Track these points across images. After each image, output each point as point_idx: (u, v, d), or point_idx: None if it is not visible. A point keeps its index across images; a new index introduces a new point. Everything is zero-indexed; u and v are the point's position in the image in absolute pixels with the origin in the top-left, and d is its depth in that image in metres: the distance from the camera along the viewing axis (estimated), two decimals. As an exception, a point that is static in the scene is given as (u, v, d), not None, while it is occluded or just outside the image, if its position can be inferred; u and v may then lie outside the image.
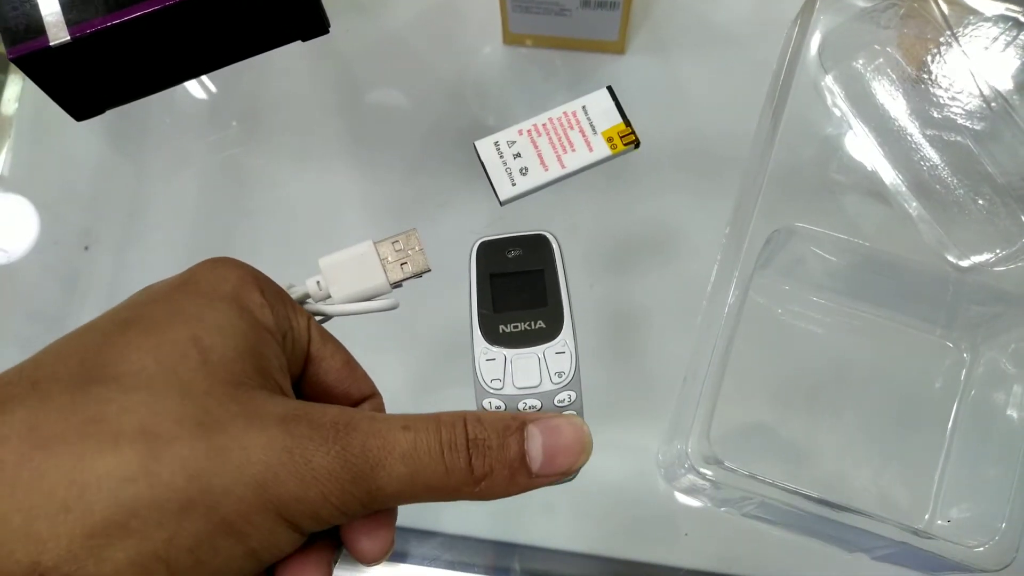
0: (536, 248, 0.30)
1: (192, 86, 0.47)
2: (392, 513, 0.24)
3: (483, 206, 0.41)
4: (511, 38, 0.46)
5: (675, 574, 0.40)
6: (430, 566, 0.40)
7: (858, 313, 0.41)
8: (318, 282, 0.28)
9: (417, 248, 0.29)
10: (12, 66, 0.49)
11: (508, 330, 0.29)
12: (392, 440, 0.22)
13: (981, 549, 0.34)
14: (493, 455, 0.23)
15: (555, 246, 0.30)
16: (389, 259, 0.29)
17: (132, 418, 0.20)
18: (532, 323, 0.29)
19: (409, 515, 0.40)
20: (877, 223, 0.39)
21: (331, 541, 0.23)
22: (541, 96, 0.47)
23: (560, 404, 0.28)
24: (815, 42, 0.39)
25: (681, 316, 0.41)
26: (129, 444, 0.19)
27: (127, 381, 0.20)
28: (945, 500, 0.38)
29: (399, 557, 0.40)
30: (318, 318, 0.28)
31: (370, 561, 0.23)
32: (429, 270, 0.29)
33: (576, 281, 0.30)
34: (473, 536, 0.41)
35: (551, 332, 0.29)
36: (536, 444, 0.23)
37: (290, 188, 0.46)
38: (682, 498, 0.40)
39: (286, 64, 0.47)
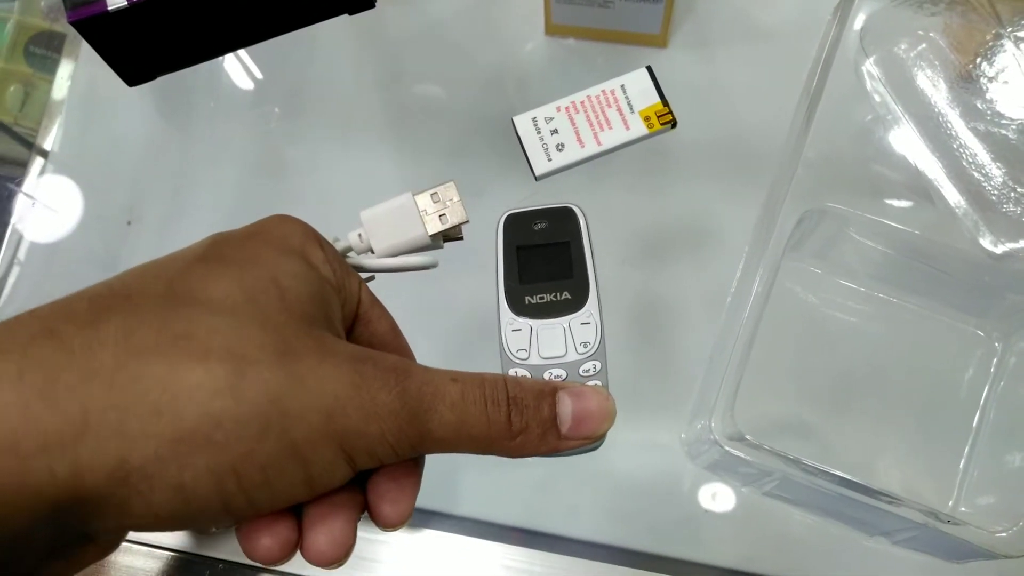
0: (562, 220, 0.31)
1: (236, 70, 0.48)
2: (415, 484, 0.25)
3: (518, 190, 0.42)
4: (553, 29, 0.46)
5: (694, 568, 0.40)
6: (451, 532, 0.41)
7: (888, 299, 0.41)
8: (360, 235, 0.29)
9: (455, 199, 0.29)
10: (65, 47, 0.51)
11: (534, 301, 0.30)
12: (443, 389, 0.23)
13: (1004, 535, 0.34)
14: (529, 414, 0.24)
15: (581, 218, 0.31)
16: (428, 211, 0.29)
17: (219, 339, 0.21)
18: (558, 294, 0.30)
19: (436, 497, 0.41)
20: (912, 207, 0.39)
21: (359, 498, 0.24)
22: (581, 88, 0.47)
23: (585, 374, 0.29)
24: (858, 24, 0.39)
25: (709, 305, 0.41)
26: (217, 361, 0.21)
27: (214, 306, 0.22)
28: (969, 488, 0.38)
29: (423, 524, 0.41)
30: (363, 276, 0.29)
31: (389, 526, 0.25)
32: (467, 221, 0.29)
33: (607, 258, 0.30)
34: (498, 522, 0.41)
35: (576, 303, 0.29)
36: (566, 408, 0.25)
37: (331, 171, 0.47)
38: (704, 484, 0.41)
39: (329, 50, 0.48)
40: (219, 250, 0.24)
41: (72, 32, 0.51)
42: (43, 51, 0.52)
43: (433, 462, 0.42)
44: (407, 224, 0.29)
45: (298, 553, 0.23)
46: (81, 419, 0.19)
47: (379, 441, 0.22)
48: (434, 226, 0.29)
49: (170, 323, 0.21)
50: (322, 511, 0.23)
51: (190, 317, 0.21)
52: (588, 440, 0.26)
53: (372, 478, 0.25)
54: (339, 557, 0.23)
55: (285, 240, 0.25)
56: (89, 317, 0.21)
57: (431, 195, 0.29)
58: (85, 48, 0.50)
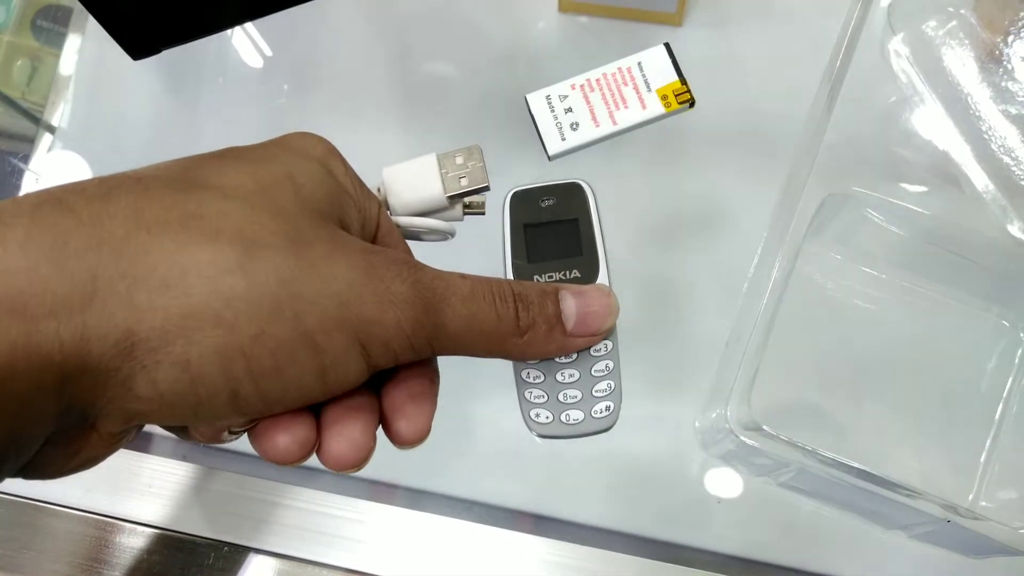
0: (570, 196, 0.30)
1: (245, 46, 0.48)
2: (432, 402, 0.25)
3: (531, 169, 0.41)
4: (567, 6, 0.46)
5: (705, 556, 0.40)
6: (457, 517, 0.41)
7: (911, 286, 0.40)
8: (379, 189, 0.29)
9: (479, 164, 0.29)
10: (72, 21, 0.50)
11: (543, 280, 0.29)
12: (455, 283, 0.24)
13: (1026, 531, 0.33)
14: (535, 310, 0.25)
15: (589, 194, 0.30)
16: (449, 172, 0.29)
17: (230, 221, 0.21)
18: (567, 272, 0.29)
19: (440, 479, 0.41)
20: (938, 192, 0.38)
21: (377, 405, 0.24)
22: (595, 66, 0.46)
23: (597, 354, 0.28)
24: (885, 1, 0.38)
25: (725, 290, 0.41)
26: (228, 242, 0.20)
27: (226, 192, 0.21)
28: (991, 482, 0.37)
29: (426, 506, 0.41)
30: None
31: (405, 443, 0.24)
32: (487, 186, 0.29)
33: (621, 241, 0.30)
34: (504, 506, 0.41)
35: (586, 281, 0.29)
36: (570, 305, 0.26)
37: (340, 148, 0.46)
38: (715, 469, 0.40)
39: (339, 25, 0.47)
40: (233, 151, 0.24)
41: (79, 6, 0.50)
42: (50, 25, 0.51)
43: (439, 437, 0.41)
44: (426, 183, 0.28)
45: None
46: (90, 285, 0.19)
47: (395, 331, 0.22)
48: (453, 187, 0.28)
49: (181, 203, 0.21)
50: (339, 414, 0.23)
51: (201, 199, 0.21)
52: (594, 337, 0.27)
53: (388, 392, 0.24)
54: (357, 461, 0.23)
55: (306, 149, 0.25)
56: (99, 192, 0.20)
57: (455, 156, 0.29)
58: (92, 22, 0.49)
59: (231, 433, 0.23)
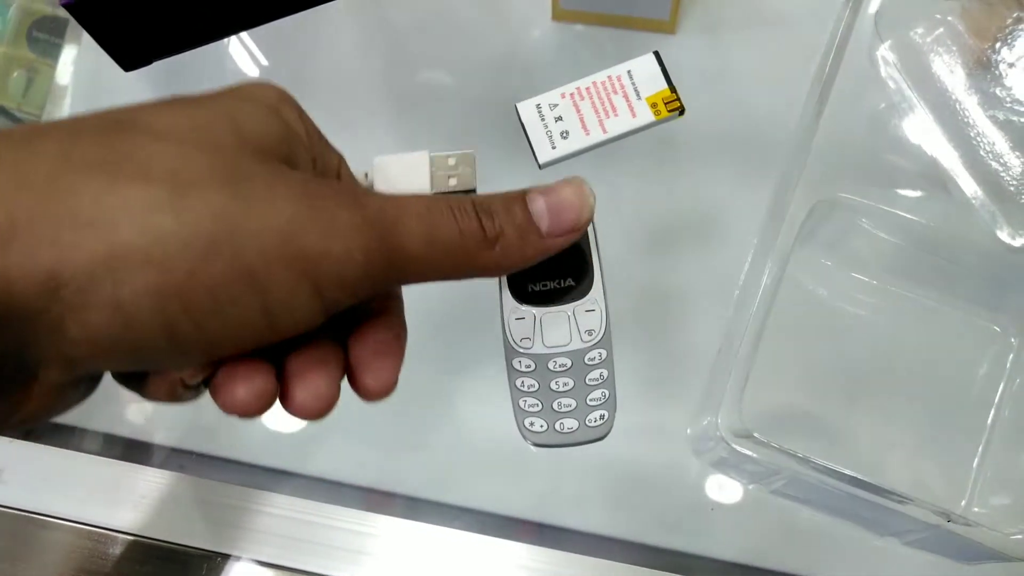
0: None
1: (241, 55, 0.48)
2: (398, 355, 0.25)
3: (523, 177, 0.41)
4: (561, 14, 0.46)
5: (700, 563, 0.40)
6: (453, 527, 0.41)
7: (901, 292, 0.40)
8: (366, 174, 0.28)
9: (469, 169, 0.29)
10: (68, 32, 0.50)
11: (537, 288, 0.29)
12: (405, 202, 0.22)
13: (1019, 537, 0.33)
14: (501, 218, 0.24)
15: None
16: (439, 171, 0.29)
17: (161, 161, 0.20)
18: (561, 281, 0.29)
19: (436, 487, 0.41)
20: (927, 198, 0.38)
21: (341, 356, 0.24)
22: (589, 74, 0.46)
23: (591, 362, 0.28)
24: (872, 8, 0.38)
25: (716, 296, 0.41)
26: (158, 181, 0.20)
27: (158, 134, 0.21)
28: (983, 488, 0.37)
29: (418, 517, 0.41)
30: None
31: (372, 396, 0.24)
32: (474, 189, 0.29)
33: (613, 248, 0.30)
34: (501, 514, 0.41)
35: (581, 290, 0.29)
36: (539, 204, 0.24)
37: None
38: (710, 476, 0.40)
39: (333, 34, 0.47)
40: (177, 97, 0.23)
41: (74, 17, 0.51)
42: (46, 36, 0.51)
43: (435, 445, 0.41)
44: (414, 177, 0.28)
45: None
46: (8, 227, 0.18)
47: (346, 262, 0.21)
48: (440, 185, 0.28)
49: (109, 145, 0.20)
50: (304, 365, 0.23)
51: (132, 141, 0.20)
52: (573, 233, 0.25)
53: (353, 345, 0.24)
54: (321, 411, 0.23)
55: (257, 96, 0.24)
56: (24, 138, 0.20)
57: (448, 158, 0.29)
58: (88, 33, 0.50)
59: (186, 388, 0.22)
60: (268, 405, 0.22)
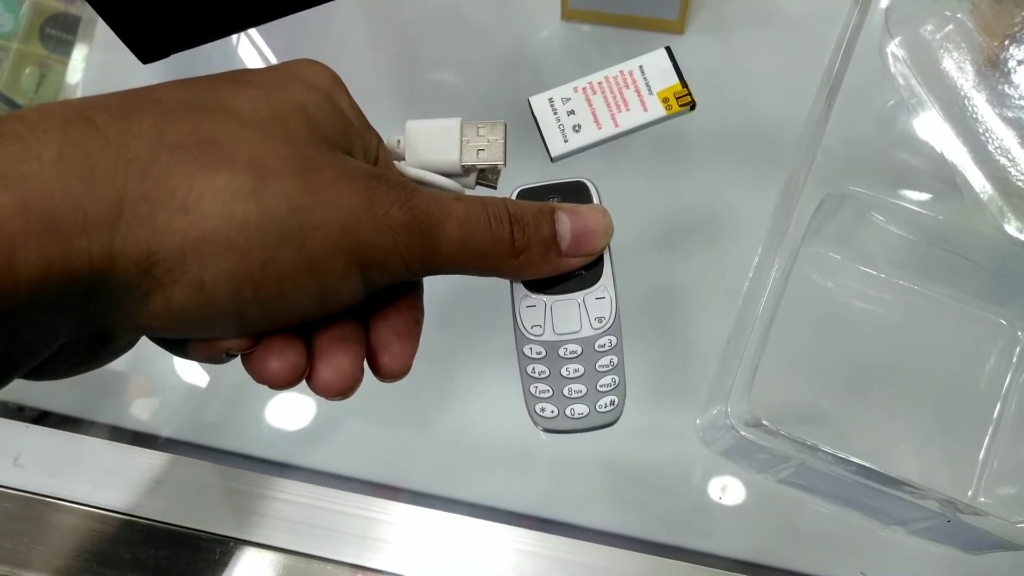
0: (575, 194, 0.30)
1: (250, 53, 0.48)
2: (414, 339, 0.26)
3: (534, 170, 0.42)
4: (570, 14, 0.46)
5: (706, 559, 0.40)
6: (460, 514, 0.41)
7: (909, 286, 0.41)
8: (398, 140, 0.29)
9: (499, 140, 0.29)
10: (80, 29, 0.51)
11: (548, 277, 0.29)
12: (449, 206, 0.24)
13: (1024, 526, 0.33)
14: (530, 231, 0.26)
15: (594, 192, 0.30)
16: (469, 141, 0.29)
17: (244, 147, 0.21)
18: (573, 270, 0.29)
19: (450, 483, 0.41)
20: (935, 193, 0.38)
21: (364, 337, 0.25)
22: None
23: (601, 349, 0.28)
24: (883, 4, 0.38)
25: (725, 290, 0.41)
26: (242, 169, 0.21)
27: (241, 118, 0.22)
28: (989, 478, 0.38)
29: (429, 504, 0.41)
30: None
31: (388, 376, 0.25)
32: (503, 164, 0.29)
33: (623, 242, 0.30)
34: (508, 509, 0.41)
35: (591, 278, 0.29)
36: (565, 226, 0.27)
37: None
38: (719, 468, 0.40)
39: (344, 31, 0.47)
40: (246, 75, 0.24)
41: (87, 14, 0.51)
42: (58, 33, 0.52)
43: (446, 441, 0.41)
44: (444, 146, 0.29)
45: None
46: (117, 205, 0.20)
47: (392, 253, 0.23)
48: (469, 157, 0.29)
49: (198, 127, 0.21)
50: (329, 344, 0.24)
51: (218, 123, 0.22)
52: (588, 257, 0.27)
53: (375, 328, 0.25)
54: (345, 389, 0.24)
55: (313, 79, 0.25)
56: (123, 111, 0.21)
57: (478, 128, 0.29)
58: (100, 30, 0.50)
59: (228, 356, 0.24)
60: (298, 379, 0.24)
